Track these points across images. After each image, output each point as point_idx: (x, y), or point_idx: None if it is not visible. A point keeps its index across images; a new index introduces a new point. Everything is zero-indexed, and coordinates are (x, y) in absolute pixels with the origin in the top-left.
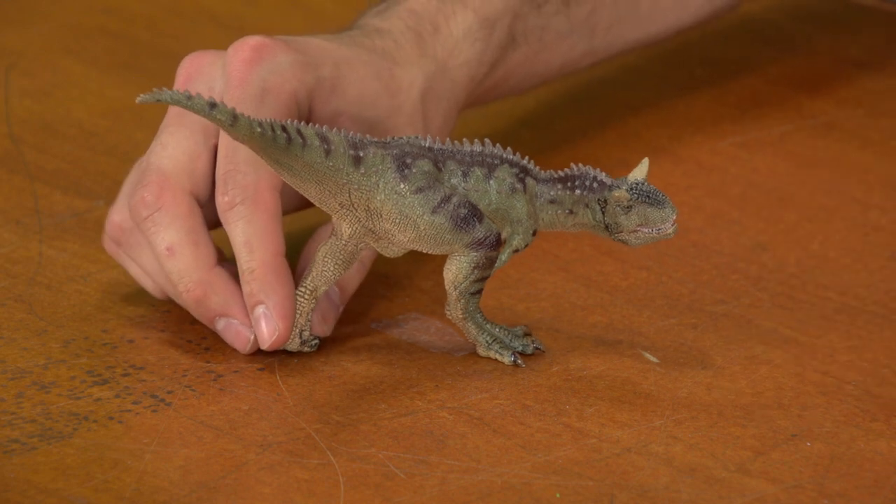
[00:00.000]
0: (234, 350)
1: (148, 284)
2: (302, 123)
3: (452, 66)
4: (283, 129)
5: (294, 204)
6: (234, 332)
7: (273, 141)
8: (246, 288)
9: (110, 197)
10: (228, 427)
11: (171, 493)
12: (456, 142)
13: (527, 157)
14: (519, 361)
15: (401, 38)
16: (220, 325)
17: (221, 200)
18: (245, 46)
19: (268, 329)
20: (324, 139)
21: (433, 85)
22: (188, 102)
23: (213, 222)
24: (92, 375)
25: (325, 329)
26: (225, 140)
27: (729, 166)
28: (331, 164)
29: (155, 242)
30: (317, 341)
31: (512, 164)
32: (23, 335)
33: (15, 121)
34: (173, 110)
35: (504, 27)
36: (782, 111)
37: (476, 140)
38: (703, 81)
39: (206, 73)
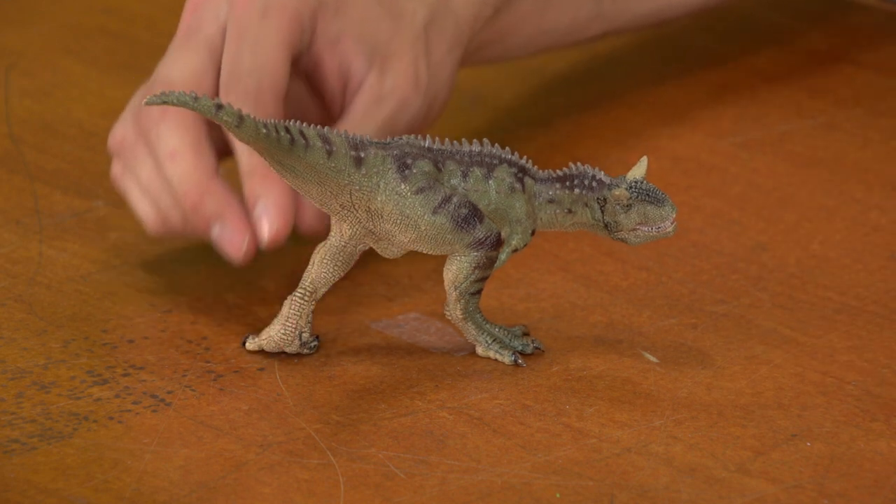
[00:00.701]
0: (234, 350)
1: (144, 209)
2: (304, 125)
3: (456, 3)
4: (287, 130)
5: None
6: (228, 238)
7: (277, 142)
8: (246, 188)
9: (110, 197)
10: (228, 427)
11: (171, 493)
12: (454, 142)
13: (525, 157)
14: (520, 361)
15: None
16: (215, 232)
17: None
18: None
19: (268, 223)
20: (325, 140)
21: (435, 17)
22: (194, 104)
23: (222, 150)
24: (92, 375)
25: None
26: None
27: (729, 166)
28: (332, 165)
29: (158, 148)
30: (316, 343)
31: (511, 163)
32: (23, 335)
33: (15, 121)
34: (182, 32)
35: None
36: (782, 111)
37: (475, 140)
38: (701, 80)
39: (212, 1)
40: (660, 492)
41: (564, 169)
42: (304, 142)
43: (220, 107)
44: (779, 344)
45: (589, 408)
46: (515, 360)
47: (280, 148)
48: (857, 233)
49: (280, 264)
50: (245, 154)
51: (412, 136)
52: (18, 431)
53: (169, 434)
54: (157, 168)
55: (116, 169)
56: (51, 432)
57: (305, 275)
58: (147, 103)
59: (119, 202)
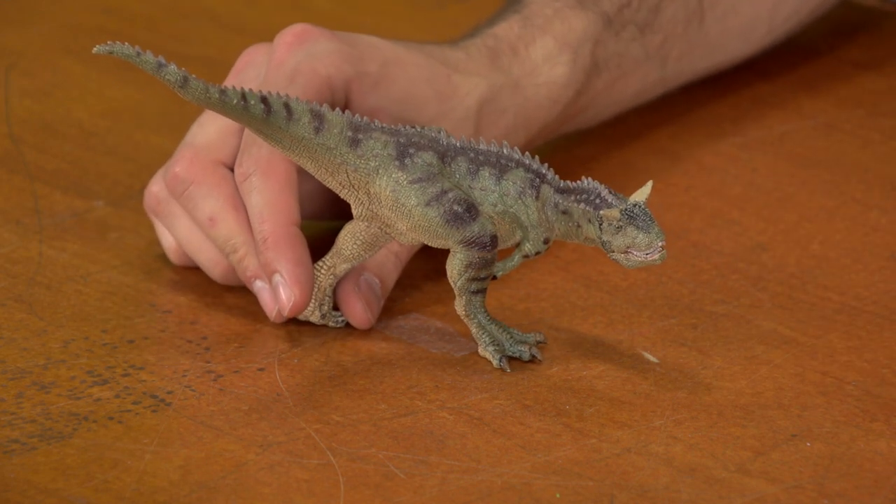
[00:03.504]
0: (234, 350)
1: (170, 243)
2: (294, 98)
3: (528, 84)
4: (264, 100)
5: (316, 211)
6: (267, 297)
7: (244, 110)
8: (261, 258)
9: (110, 197)
10: (228, 427)
11: (171, 493)
12: (472, 140)
13: (546, 165)
14: (504, 366)
15: (475, 52)
16: (257, 287)
17: (237, 172)
18: (289, 32)
19: (285, 296)
20: (316, 116)
21: (498, 97)
22: (137, 58)
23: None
24: (92, 375)
25: (369, 317)
26: None
27: (729, 166)
28: (321, 141)
29: (196, 216)
30: (344, 318)
31: (528, 168)
32: (23, 335)
33: (15, 121)
34: None
35: (587, 53)
36: (782, 111)
37: (493, 141)
38: (702, 81)
39: (256, 63)
40: (660, 492)
41: (577, 182)
42: (285, 114)
43: (162, 65)
44: (779, 344)
45: (589, 408)
46: (501, 364)
47: (251, 117)
48: (857, 233)
49: None
50: (257, 223)
51: (429, 128)
52: (18, 431)
53: (169, 434)
54: (194, 228)
55: (152, 198)
56: (51, 432)
57: (332, 248)
58: (95, 52)
59: (119, 202)
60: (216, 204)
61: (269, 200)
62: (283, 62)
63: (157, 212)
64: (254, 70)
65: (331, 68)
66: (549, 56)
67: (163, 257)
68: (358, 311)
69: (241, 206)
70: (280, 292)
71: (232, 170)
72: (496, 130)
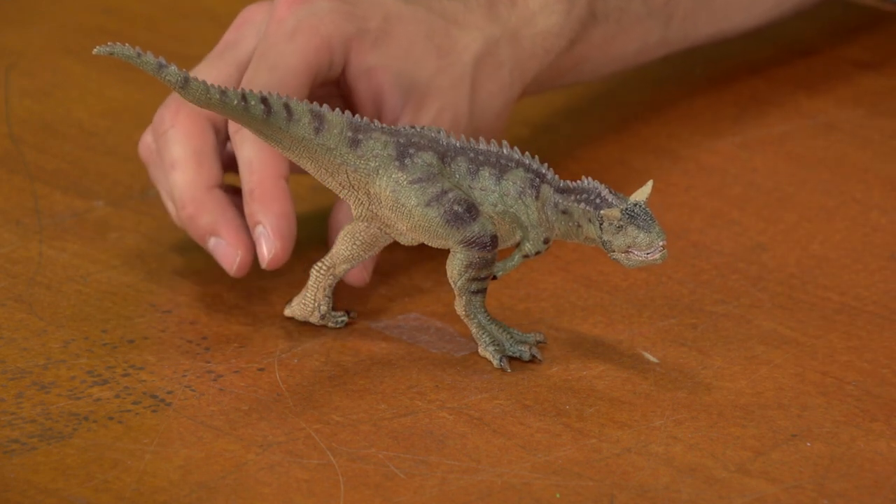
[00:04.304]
0: (234, 350)
1: (175, 217)
2: (294, 99)
3: (526, 34)
4: (264, 101)
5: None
6: (222, 252)
7: (245, 111)
8: (246, 209)
9: (110, 197)
10: (228, 427)
11: (171, 493)
12: (472, 139)
13: (545, 164)
14: (504, 366)
15: (473, 3)
16: (211, 244)
17: (231, 122)
18: None
19: (266, 247)
20: (317, 116)
21: (495, 50)
22: (138, 59)
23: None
24: (92, 375)
25: (365, 276)
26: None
27: (729, 166)
28: (321, 142)
29: (163, 157)
30: (344, 318)
31: (527, 168)
32: (23, 335)
33: (15, 121)
34: (218, 47)
35: (584, 3)
36: (782, 111)
37: (493, 141)
38: (702, 80)
39: (255, 22)
40: (660, 492)
41: (577, 181)
42: (285, 114)
43: (162, 66)
44: (779, 344)
45: (589, 408)
46: (501, 364)
47: (250, 117)
48: (857, 233)
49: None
50: (246, 174)
51: (428, 128)
52: (18, 431)
53: (169, 434)
54: (164, 174)
55: (144, 147)
56: (51, 432)
57: (331, 248)
58: (95, 52)
59: (119, 202)
60: (183, 153)
61: (260, 152)
62: (283, 19)
63: (147, 161)
64: (252, 28)
65: (331, 27)
66: (546, 5)
67: (163, 257)
68: (355, 270)
69: (204, 164)
70: (262, 244)
71: (218, 128)
72: (492, 86)
